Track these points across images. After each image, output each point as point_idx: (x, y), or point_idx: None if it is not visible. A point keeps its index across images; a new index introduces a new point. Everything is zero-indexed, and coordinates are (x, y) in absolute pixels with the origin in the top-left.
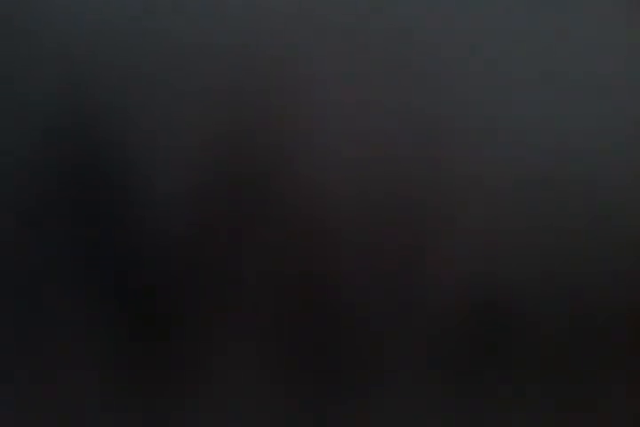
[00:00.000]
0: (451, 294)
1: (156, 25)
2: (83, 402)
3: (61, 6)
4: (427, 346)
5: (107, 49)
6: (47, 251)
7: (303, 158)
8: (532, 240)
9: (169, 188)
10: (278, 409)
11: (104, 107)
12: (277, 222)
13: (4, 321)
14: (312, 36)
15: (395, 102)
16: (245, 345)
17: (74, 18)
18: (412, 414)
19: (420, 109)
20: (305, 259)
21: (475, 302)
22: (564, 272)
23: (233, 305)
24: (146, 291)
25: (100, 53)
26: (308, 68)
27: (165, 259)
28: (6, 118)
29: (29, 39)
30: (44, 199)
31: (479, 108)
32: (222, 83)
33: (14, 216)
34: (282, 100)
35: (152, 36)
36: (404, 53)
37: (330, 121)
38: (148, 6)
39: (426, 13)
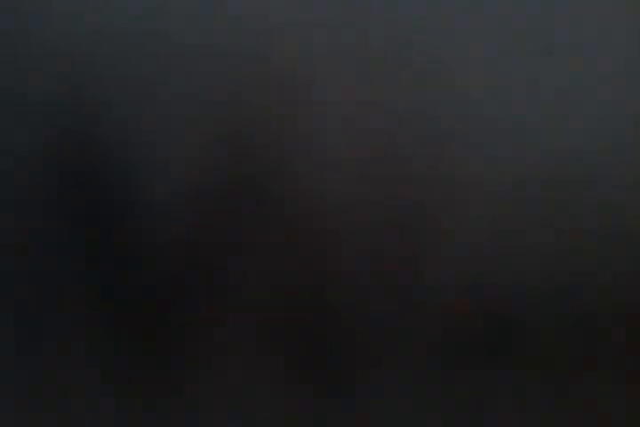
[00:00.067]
0: (451, 294)
1: (156, 25)
2: (83, 402)
3: (61, 6)
4: (427, 346)
5: (107, 50)
6: (47, 251)
7: (303, 159)
8: (532, 240)
9: (169, 189)
10: (278, 409)
11: (104, 108)
12: (277, 223)
13: (4, 321)
14: (312, 38)
15: (394, 103)
16: (245, 346)
17: (74, 18)
18: (412, 415)
19: (419, 110)
20: (305, 259)
21: (475, 302)
22: (564, 272)
23: (233, 305)
24: (145, 291)
25: (100, 54)
26: (308, 69)
27: (165, 259)
28: (6, 119)
29: (30, 39)
30: (44, 200)
31: (479, 109)
32: (222, 83)
33: (14, 216)
34: (282, 101)
35: (152, 37)
36: (403, 54)
37: (329, 121)
38: (148, 7)
39: (426, 13)
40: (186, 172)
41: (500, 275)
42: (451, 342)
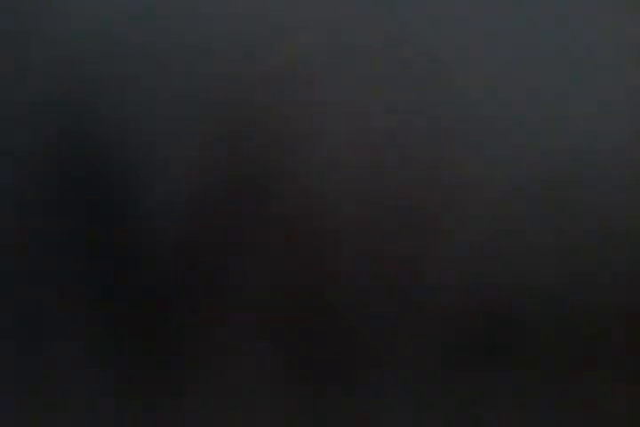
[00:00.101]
0: (451, 294)
1: (156, 26)
2: (83, 402)
3: (61, 6)
4: (427, 346)
5: (107, 50)
6: (47, 251)
7: (303, 159)
8: (532, 240)
9: (169, 189)
10: (278, 409)
11: (104, 108)
12: (277, 223)
13: (4, 321)
14: (312, 38)
15: (394, 103)
16: (245, 346)
17: (74, 18)
18: (412, 415)
19: (419, 110)
20: (305, 259)
21: (475, 302)
22: (564, 272)
23: (233, 305)
24: (145, 291)
25: (101, 55)
26: (308, 69)
27: (165, 259)
28: (6, 119)
29: (30, 40)
30: (43, 200)
31: (479, 109)
32: (222, 85)
33: (14, 216)
34: (282, 101)
35: (152, 37)
36: (404, 54)
37: (329, 122)
38: (149, 8)
39: (427, 13)
40: (186, 172)
41: (500, 275)
42: (451, 342)
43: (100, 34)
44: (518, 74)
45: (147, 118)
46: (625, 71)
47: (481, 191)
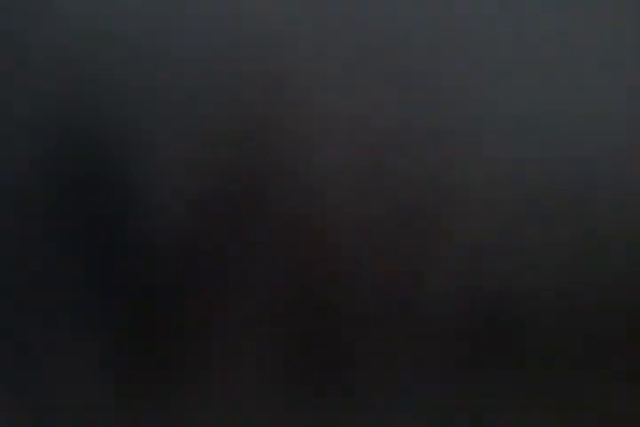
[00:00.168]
0: (451, 294)
1: (156, 26)
2: (83, 402)
3: (61, 6)
4: (426, 346)
5: (107, 50)
6: (47, 251)
7: (303, 160)
8: (532, 241)
9: (169, 189)
10: (278, 409)
11: (104, 109)
12: (277, 224)
13: (4, 321)
14: (312, 38)
15: (394, 104)
16: (245, 346)
17: (74, 18)
18: (412, 415)
19: (420, 110)
20: (305, 260)
21: (475, 302)
22: (564, 272)
23: (233, 305)
24: (145, 291)
25: (101, 55)
26: (307, 70)
27: (165, 259)
28: (7, 120)
29: (30, 40)
30: (43, 200)
31: (479, 110)
32: (222, 85)
33: (14, 216)
34: (282, 102)
35: (152, 37)
36: (404, 54)
37: (330, 122)
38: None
39: (427, 13)
40: (185, 172)
41: (500, 275)
42: (451, 342)
43: (100, 34)
44: (519, 74)
45: (147, 119)
46: (626, 72)
47: (481, 192)
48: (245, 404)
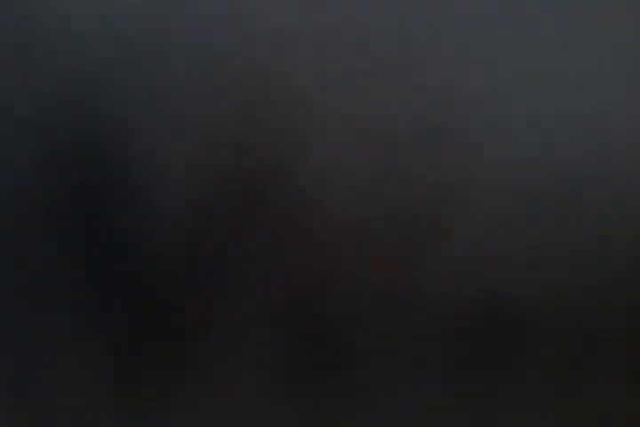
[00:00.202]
0: (451, 294)
1: (156, 26)
2: (83, 402)
3: (61, 6)
4: (426, 346)
5: (107, 50)
6: (47, 251)
7: (302, 160)
8: (532, 241)
9: (169, 190)
10: (278, 409)
11: (104, 109)
12: (277, 224)
13: (4, 321)
14: (312, 39)
15: (395, 104)
16: (245, 346)
17: (74, 18)
18: (412, 415)
19: (418, 119)
20: (304, 260)
21: (475, 302)
22: (564, 273)
23: (233, 305)
24: (145, 291)
25: (101, 55)
26: (308, 70)
27: (165, 259)
28: (7, 120)
29: (29, 39)
30: (43, 200)
31: (479, 111)
32: (222, 85)
33: (13, 216)
34: (282, 102)
35: (152, 38)
36: (404, 55)
37: (330, 122)
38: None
39: (427, 14)
40: (185, 173)
41: (500, 275)
42: (451, 342)
43: (101, 34)
44: (519, 74)
45: (147, 118)
46: (627, 73)
47: (481, 192)
48: (245, 404)
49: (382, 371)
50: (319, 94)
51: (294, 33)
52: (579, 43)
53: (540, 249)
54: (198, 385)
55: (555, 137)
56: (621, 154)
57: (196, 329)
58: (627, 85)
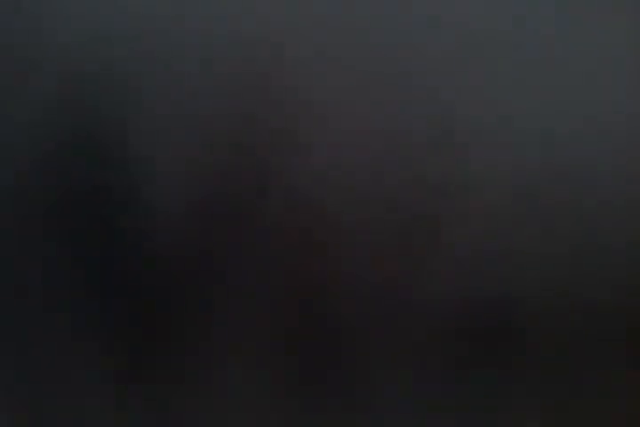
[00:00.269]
0: (451, 294)
1: (156, 26)
2: (83, 402)
3: (61, 6)
4: (426, 347)
5: (107, 50)
6: (46, 251)
7: (303, 160)
8: (532, 241)
9: (169, 190)
10: (278, 409)
11: (104, 109)
12: (277, 225)
13: (4, 321)
14: (312, 39)
15: (395, 105)
16: (245, 346)
17: (74, 18)
18: (412, 415)
19: (418, 119)
20: (304, 261)
21: (475, 302)
22: (564, 273)
23: (233, 305)
24: (145, 291)
25: (101, 55)
26: (309, 70)
27: (165, 259)
28: (7, 120)
29: (29, 39)
30: (42, 200)
31: (479, 111)
32: (222, 85)
33: (13, 216)
34: (282, 101)
35: (152, 38)
36: (404, 56)
37: (330, 123)
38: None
39: (427, 15)
40: (185, 173)
41: (500, 275)
42: (451, 342)
43: (101, 34)
44: (519, 74)
45: (147, 119)
46: (628, 74)
47: (481, 193)
48: (245, 404)
49: (382, 371)
50: (319, 94)
51: (294, 33)
52: (579, 43)
53: (540, 249)
54: (198, 385)
55: (555, 137)
56: (621, 154)
57: (196, 329)
58: (627, 85)
